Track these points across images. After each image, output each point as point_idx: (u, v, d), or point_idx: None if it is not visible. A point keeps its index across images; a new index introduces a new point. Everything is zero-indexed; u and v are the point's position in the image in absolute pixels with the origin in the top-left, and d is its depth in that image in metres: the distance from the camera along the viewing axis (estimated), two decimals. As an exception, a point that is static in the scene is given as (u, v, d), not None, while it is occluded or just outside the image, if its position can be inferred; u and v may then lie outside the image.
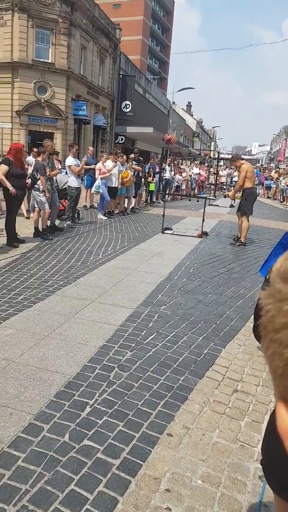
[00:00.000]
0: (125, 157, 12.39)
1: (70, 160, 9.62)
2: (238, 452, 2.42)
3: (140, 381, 3.09)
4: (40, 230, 8.06)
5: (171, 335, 3.97)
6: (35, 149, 10.43)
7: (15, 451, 2.27)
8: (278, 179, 24.37)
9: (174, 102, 47.08)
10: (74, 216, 9.88)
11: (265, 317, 0.43)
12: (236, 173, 30.86)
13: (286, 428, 0.44)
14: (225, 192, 26.24)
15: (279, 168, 30.21)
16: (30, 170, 8.55)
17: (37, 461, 2.20)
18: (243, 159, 8.90)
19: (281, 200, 23.35)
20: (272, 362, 0.43)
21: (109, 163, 11.00)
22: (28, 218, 9.67)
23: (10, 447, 2.29)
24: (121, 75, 29.71)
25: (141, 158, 14.43)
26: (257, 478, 2.19)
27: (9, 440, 2.34)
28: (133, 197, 13.20)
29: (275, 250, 3.33)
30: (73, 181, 9.54)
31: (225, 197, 12.60)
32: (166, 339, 3.86)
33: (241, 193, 8.85)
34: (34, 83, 22.17)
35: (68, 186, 9.50)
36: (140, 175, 13.47)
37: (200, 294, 5.29)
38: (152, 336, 3.89)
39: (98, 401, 2.79)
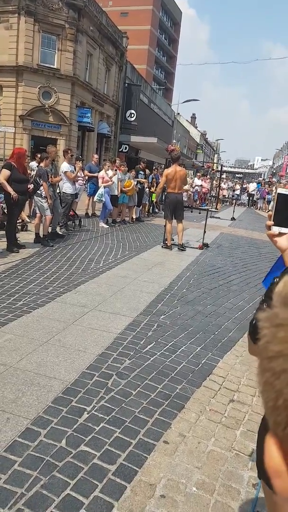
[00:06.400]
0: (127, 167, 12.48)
1: (65, 166, 9.48)
2: (232, 461, 2.45)
3: (138, 389, 3.12)
4: (41, 236, 8.09)
5: (169, 344, 4.00)
6: (38, 155, 10.47)
7: (11, 455, 2.29)
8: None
9: (178, 113, 47.42)
10: (66, 223, 9.80)
11: (261, 342, 0.40)
12: (237, 186, 31.15)
13: (274, 464, 0.41)
14: (227, 204, 26.39)
15: (281, 183, 30.42)
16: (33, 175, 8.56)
17: (34, 466, 2.23)
18: (178, 161, 8.84)
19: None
20: (264, 393, 0.40)
21: (111, 172, 11.10)
22: (26, 224, 9.44)
23: (7, 451, 2.31)
24: (126, 84, 29.93)
25: (147, 170, 14.55)
26: (251, 486, 2.22)
27: (6, 444, 2.37)
28: (137, 206, 13.27)
29: (277, 264, 3.38)
30: (68, 188, 9.50)
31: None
32: (165, 348, 3.89)
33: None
34: (38, 88, 22.18)
35: (63, 192, 9.45)
36: (145, 186, 13.56)
37: (199, 305, 5.33)
38: (151, 345, 3.92)
39: (96, 407, 2.82)
